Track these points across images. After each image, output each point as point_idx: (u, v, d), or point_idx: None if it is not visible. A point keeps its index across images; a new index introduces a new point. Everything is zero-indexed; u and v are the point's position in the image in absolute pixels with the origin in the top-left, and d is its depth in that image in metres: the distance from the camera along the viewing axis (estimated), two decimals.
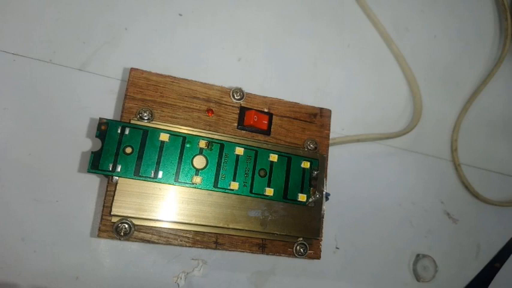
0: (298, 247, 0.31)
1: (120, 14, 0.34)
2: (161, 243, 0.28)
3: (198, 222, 0.28)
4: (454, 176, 0.43)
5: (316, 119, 0.34)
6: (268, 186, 0.30)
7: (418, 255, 0.39)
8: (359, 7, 0.43)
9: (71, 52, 0.32)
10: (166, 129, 0.29)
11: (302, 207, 0.31)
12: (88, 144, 0.31)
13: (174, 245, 0.29)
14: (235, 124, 0.31)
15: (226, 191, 0.29)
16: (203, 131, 0.30)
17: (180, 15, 0.36)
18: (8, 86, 0.30)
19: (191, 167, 0.29)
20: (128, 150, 0.28)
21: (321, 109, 0.34)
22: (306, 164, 0.32)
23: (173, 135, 0.29)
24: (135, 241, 0.28)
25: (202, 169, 0.29)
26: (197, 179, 0.29)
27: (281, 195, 0.31)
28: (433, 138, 0.43)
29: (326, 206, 0.32)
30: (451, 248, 0.41)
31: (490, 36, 0.49)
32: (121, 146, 0.28)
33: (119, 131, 0.28)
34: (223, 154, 0.30)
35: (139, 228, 0.28)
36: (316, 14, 0.41)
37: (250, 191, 0.30)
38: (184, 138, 0.29)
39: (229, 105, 0.32)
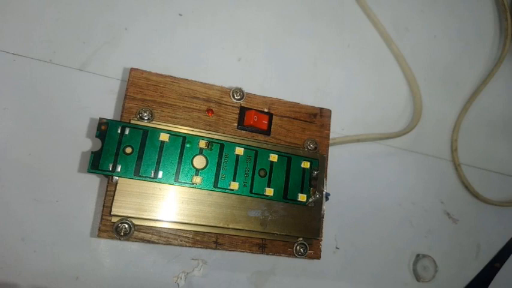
0: (298, 247, 0.31)
1: (120, 14, 0.34)
2: (161, 243, 0.28)
3: (198, 222, 0.28)
4: (454, 176, 0.43)
5: (316, 119, 0.34)
6: (268, 186, 0.30)
7: (418, 255, 0.39)
8: (359, 7, 0.43)
9: (71, 52, 0.32)
10: (166, 129, 0.29)
11: (302, 207, 0.31)
12: (88, 144, 0.31)
13: (174, 245, 0.29)
14: (235, 124, 0.31)
15: (226, 191, 0.29)
16: (203, 131, 0.30)
17: (180, 15, 0.36)
18: (8, 86, 0.30)
19: (191, 167, 0.29)
20: (128, 150, 0.28)
21: (321, 109, 0.34)
22: (306, 164, 0.32)
23: (173, 135, 0.29)
24: (135, 241, 0.28)
25: (202, 169, 0.29)
26: (197, 179, 0.29)
27: (281, 195, 0.31)
28: (433, 138, 0.43)
29: (326, 206, 0.32)
30: (451, 248, 0.41)
31: (490, 36, 0.49)
32: (121, 146, 0.28)
33: (119, 131, 0.28)
34: (223, 154, 0.30)
35: (139, 228, 0.28)
36: (316, 14, 0.41)
37: (250, 191, 0.30)
38: (184, 138, 0.29)
39: (229, 105, 0.32)
